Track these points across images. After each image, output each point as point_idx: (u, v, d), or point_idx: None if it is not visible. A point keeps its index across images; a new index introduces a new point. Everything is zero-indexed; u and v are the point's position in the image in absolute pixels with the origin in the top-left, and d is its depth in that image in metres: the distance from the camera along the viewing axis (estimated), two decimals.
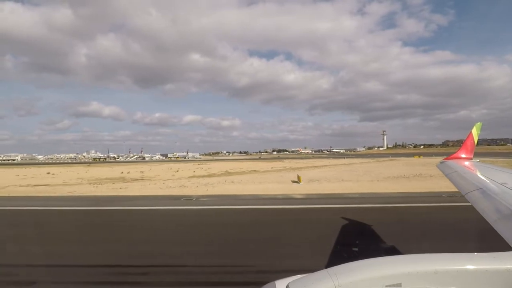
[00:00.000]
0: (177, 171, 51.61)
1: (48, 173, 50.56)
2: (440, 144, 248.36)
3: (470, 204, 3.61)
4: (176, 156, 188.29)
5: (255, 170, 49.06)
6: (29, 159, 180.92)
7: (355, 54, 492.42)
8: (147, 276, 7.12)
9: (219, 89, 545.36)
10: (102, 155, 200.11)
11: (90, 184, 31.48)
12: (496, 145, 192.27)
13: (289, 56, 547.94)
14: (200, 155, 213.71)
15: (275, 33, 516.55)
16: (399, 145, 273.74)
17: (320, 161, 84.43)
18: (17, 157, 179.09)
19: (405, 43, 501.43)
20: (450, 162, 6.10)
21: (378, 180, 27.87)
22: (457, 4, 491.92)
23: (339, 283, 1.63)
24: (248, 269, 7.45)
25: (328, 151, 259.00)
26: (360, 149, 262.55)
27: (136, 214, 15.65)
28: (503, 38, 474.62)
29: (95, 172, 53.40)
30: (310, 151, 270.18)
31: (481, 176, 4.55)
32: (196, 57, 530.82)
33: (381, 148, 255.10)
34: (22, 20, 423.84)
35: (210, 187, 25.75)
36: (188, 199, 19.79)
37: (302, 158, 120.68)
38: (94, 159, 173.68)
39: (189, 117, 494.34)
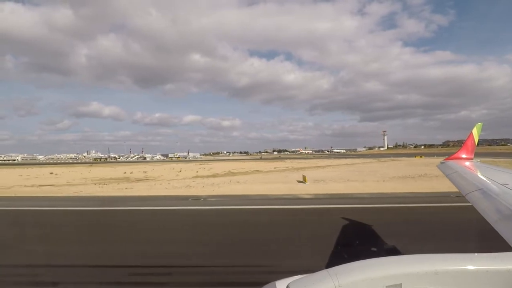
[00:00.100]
0: (180, 171, 51.59)
1: (51, 173, 50.52)
2: (440, 144, 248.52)
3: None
4: (177, 156, 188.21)
5: (258, 170, 49.05)
6: (30, 159, 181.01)
7: (356, 54, 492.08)
8: (171, 277, 7.11)
9: (219, 89, 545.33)
10: (102, 155, 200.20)
11: (95, 184, 31.45)
12: (497, 145, 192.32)
13: (289, 56, 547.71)
14: (200, 155, 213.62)
15: (275, 33, 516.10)
16: (400, 145, 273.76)
17: (322, 161, 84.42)
18: (17, 157, 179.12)
19: (406, 43, 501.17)
20: (451, 162, 6.09)
21: (384, 181, 27.86)
22: (457, 4, 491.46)
23: (339, 283, 1.62)
24: (269, 270, 7.44)
25: (328, 151, 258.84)
26: (361, 149, 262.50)
27: (148, 215, 15.65)
28: (503, 38, 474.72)
29: (97, 172, 53.38)
30: (311, 151, 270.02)
31: (481, 177, 4.54)
32: (196, 57, 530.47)
33: (381, 148, 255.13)
34: (23, 20, 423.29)
35: (216, 187, 25.73)
36: (196, 199, 19.77)
37: (303, 158, 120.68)
38: (95, 159, 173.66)
39: (189, 117, 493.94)
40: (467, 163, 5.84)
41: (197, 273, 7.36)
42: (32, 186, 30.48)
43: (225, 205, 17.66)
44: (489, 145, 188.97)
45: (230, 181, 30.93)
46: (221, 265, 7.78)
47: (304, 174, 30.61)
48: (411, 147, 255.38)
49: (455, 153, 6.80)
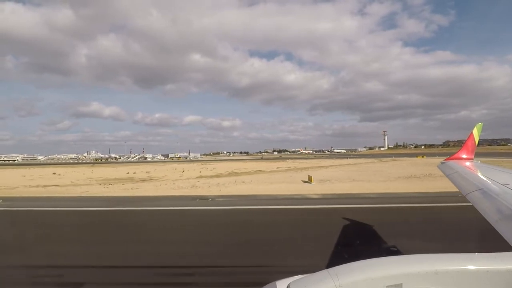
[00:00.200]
0: (183, 171, 51.54)
1: (54, 173, 50.45)
2: (440, 145, 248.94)
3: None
4: (178, 156, 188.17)
5: (261, 170, 49.03)
6: (31, 159, 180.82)
7: (356, 54, 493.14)
8: (195, 277, 7.08)
9: (220, 89, 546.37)
10: (103, 156, 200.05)
11: (100, 184, 31.39)
12: (497, 145, 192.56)
13: (289, 57, 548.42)
14: (201, 155, 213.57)
15: (275, 34, 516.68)
16: (400, 146, 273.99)
17: (324, 161, 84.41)
18: (17, 158, 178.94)
19: (406, 43, 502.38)
20: (451, 162, 6.07)
21: (390, 180, 27.84)
22: (457, 4, 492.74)
23: (340, 283, 1.61)
24: (288, 270, 7.40)
25: (329, 151, 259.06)
26: (361, 149, 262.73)
27: (159, 215, 15.59)
28: (503, 38, 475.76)
29: (100, 172, 53.30)
30: (311, 152, 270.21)
31: (482, 177, 4.52)
32: (196, 58, 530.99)
33: (382, 148, 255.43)
34: (23, 21, 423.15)
35: (222, 188, 25.69)
36: (203, 199, 19.72)
37: (304, 158, 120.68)
38: (96, 159, 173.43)
39: (189, 118, 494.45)
40: (468, 163, 5.82)
41: (221, 273, 7.33)
42: (37, 186, 30.41)
43: (233, 205, 17.61)
44: (489, 145, 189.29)
45: (235, 181, 30.89)
46: (243, 265, 7.75)
47: (309, 174, 30.58)
48: (411, 147, 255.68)
49: (456, 153, 6.78)
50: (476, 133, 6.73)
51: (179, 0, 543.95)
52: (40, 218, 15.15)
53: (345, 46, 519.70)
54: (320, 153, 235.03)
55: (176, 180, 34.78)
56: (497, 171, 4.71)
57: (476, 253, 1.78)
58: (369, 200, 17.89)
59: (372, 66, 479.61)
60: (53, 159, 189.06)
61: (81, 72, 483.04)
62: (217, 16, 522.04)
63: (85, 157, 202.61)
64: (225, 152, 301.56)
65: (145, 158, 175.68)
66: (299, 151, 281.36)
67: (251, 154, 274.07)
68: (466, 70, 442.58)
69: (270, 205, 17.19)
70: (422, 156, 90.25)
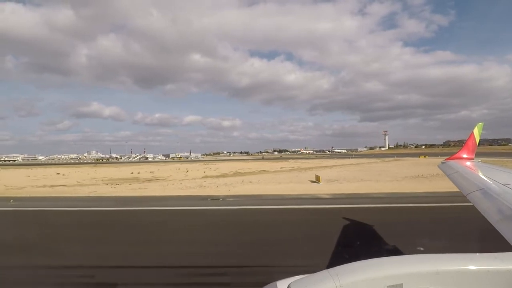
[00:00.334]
0: (187, 171, 51.52)
1: (58, 173, 50.41)
2: (441, 144, 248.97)
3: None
4: (179, 156, 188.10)
5: (264, 170, 49.02)
6: (31, 159, 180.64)
7: (356, 54, 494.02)
8: (225, 277, 7.06)
9: (220, 89, 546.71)
10: (103, 156, 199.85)
11: (106, 184, 31.37)
12: (498, 145, 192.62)
13: (289, 57, 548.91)
14: (201, 155, 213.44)
15: (275, 33, 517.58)
16: (401, 145, 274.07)
17: (326, 161, 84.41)
18: (18, 158, 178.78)
19: (406, 43, 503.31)
20: (452, 162, 6.06)
21: (397, 180, 27.83)
22: (457, 4, 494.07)
23: (340, 283, 1.62)
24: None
25: (329, 151, 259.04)
26: (362, 149, 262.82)
27: (174, 214, 15.57)
28: (503, 38, 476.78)
29: (104, 172, 53.27)
30: (312, 151, 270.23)
31: (482, 177, 4.51)
32: (196, 57, 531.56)
33: (382, 148, 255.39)
34: (23, 21, 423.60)
35: (230, 188, 25.67)
36: (214, 199, 19.70)
37: (306, 158, 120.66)
38: (97, 159, 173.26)
39: (189, 118, 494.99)
40: (468, 163, 5.81)
41: (253, 273, 7.32)
42: (44, 186, 30.39)
43: (244, 205, 17.60)
44: (490, 145, 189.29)
45: (242, 181, 30.88)
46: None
47: (316, 174, 30.57)
48: (412, 147, 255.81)
49: (456, 153, 6.77)
50: (477, 132, 6.73)
51: (179, 0, 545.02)
52: (57, 218, 15.15)
53: (345, 46, 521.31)
54: (321, 153, 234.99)
55: (182, 180, 34.75)
56: (498, 171, 4.71)
57: (477, 253, 1.78)
58: (380, 200, 17.86)
59: (372, 66, 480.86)
60: (53, 159, 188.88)
61: (81, 72, 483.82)
62: (217, 16, 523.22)
63: (85, 157, 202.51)
64: (225, 152, 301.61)
65: (146, 158, 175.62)
66: (299, 151, 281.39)
67: (251, 154, 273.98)
68: (466, 70, 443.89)
69: (282, 205, 17.16)
70: (425, 156, 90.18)
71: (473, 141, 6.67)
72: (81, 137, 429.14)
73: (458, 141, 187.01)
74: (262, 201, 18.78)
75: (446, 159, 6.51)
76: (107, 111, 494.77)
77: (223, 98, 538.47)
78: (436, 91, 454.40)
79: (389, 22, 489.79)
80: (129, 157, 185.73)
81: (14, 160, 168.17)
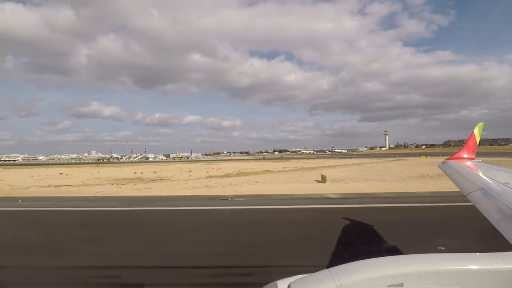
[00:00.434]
0: (190, 171, 51.51)
1: (61, 173, 50.39)
2: (441, 144, 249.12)
3: None
4: (180, 156, 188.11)
5: (268, 170, 49.01)
6: (32, 159, 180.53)
7: (356, 54, 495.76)
8: (250, 277, 7.04)
9: (220, 89, 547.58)
10: (104, 156, 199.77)
11: (111, 184, 31.33)
12: (498, 145, 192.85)
13: (289, 57, 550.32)
14: (202, 155, 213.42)
15: (275, 34, 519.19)
16: (401, 145, 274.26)
17: (328, 161, 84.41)
18: (18, 158, 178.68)
19: (406, 43, 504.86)
20: (452, 162, 6.06)
21: (403, 180, 27.83)
22: (457, 4, 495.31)
23: (340, 283, 1.62)
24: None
25: (330, 151, 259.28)
26: (362, 149, 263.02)
27: (185, 214, 15.54)
28: (503, 38, 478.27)
29: (106, 172, 53.24)
30: (312, 151, 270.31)
31: (483, 176, 4.52)
32: (196, 58, 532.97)
33: (383, 148, 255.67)
34: (23, 21, 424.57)
35: (237, 187, 25.64)
36: (223, 199, 19.68)
37: (306, 158, 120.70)
38: (98, 159, 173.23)
39: (189, 118, 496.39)
40: (469, 163, 5.83)
41: (276, 272, 7.28)
42: (49, 186, 30.35)
43: (253, 205, 17.57)
44: (490, 145, 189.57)
45: (248, 181, 30.86)
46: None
47: (322, 174, 30.55)
48: (412, 147, 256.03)
49: (457, 152, 6.76)
50: (477, 132, 6.72)
51: (179, 0, 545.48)
52: (66, 218, 15.12)
53: (345, 46, 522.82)
54: (321, 153, 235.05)
55: (187, 180, 34.73)
56: (498, 171, 4.71)
57: (477, 253, 1.78)
58: (388, 199, 17.81)
59: (372, 66, 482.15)
60: (54, 159, 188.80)
61: (81, 72, 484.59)
62: (217, 16, 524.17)
63: (85, 157, 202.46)
64: (225, 152, 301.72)
65: (147, 158, 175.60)
66: (300, 151, 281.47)
67: (251, 154, 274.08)
68: (466, 70, 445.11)
69: (291, 205, 17.10)
70: (426, 156, 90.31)
71: (474, 141, 6.68)
72: (81, 137, 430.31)
73: (458, 141, 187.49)
74: (271, 200, 18.75)
75: (447, 159, 6.52)
76: (107, 111, 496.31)
77: (223, 98, 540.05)
78: (436, 91, 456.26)
79: (389, 22, 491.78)
80: (129, 157, 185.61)
81: (14, 160, 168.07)
